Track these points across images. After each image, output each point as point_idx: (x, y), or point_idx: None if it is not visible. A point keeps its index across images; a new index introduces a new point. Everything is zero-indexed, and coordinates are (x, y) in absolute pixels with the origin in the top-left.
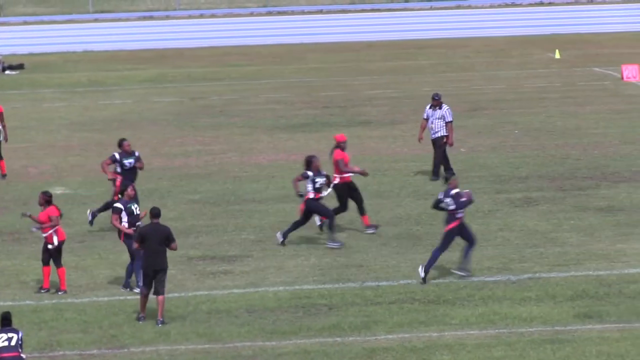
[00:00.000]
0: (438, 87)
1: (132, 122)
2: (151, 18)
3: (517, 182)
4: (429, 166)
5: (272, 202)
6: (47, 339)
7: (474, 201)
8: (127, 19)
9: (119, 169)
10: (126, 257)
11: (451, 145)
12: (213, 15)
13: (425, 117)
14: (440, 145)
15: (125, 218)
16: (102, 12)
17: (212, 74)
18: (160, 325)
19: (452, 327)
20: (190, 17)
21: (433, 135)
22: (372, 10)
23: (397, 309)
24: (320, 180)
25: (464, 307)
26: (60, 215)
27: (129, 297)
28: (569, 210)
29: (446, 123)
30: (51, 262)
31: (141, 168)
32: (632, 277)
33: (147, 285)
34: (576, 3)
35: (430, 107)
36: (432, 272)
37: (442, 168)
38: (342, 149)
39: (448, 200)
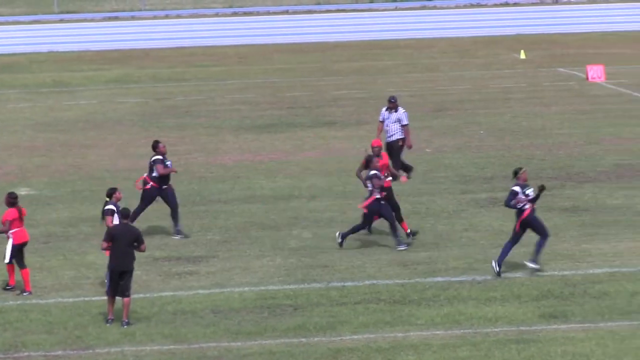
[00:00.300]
0: (403, 88)
1: (97, 123)
2: (116, 19)
3: (483, 183)
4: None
5: (237, 203)
6: (12, 340)
7: (517, 209)
8: (92, 20)
9: (156, 173)
10: (91, 258)
11: (410, 147)
12: (178, 16)
13: (381, 119)
14: (396, 148)
15: (117, 220)
16: (67, 12)
17: (178, 75)
18: (125, 326)
19: (418, 327)
20: (155, 17)
21: (388, 139)
22: (338, 10)
23: (362, 309)
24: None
25: (430, 308)
26: (20, 216)
27: (94, 298)
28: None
29: (402, 126)
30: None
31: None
32: (597, 277)
33: (113, 287)
34: (541, 3)
35: (386, 110)
36: (397, 270)
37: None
38: (376, 155)
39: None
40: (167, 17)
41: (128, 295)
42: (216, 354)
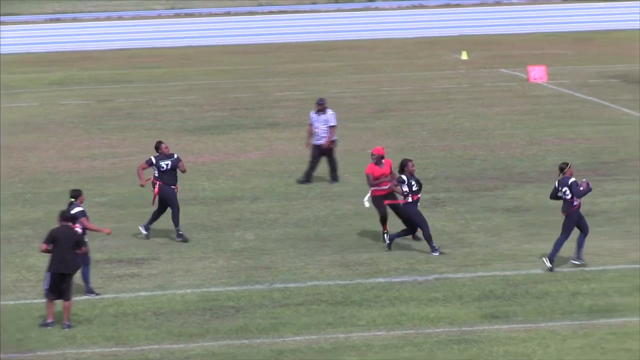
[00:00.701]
0: (346, 89)
1: (38, 125)
2: (58, 20)
3: (425, 183)
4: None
5: (179, 205)
6: None
7: (592, 189)
8: (34, 22)
9: (156, 173)
10: (32, 261)
11: (327, 146)
12: (120, 17)
13: (310, 122)
14: (328, 150)
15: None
16: (8, 14)
17: (120, 76)
18: (66, 329)
19: (360, 328)
20: (97, 19)
21: (317, 141)
22: (280, 12)
23: (304, 311)
24: (415, 183)
25: (371, 308)
26: None
27: (35, 301)
28: (477, 210)
29: (330, 127)
30: None
31: (183, 171)
32: (539, 277)
33: (53, 290)
34: (483, 4)
35: (315, 112)
36: (339, 271)
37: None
38: (375, 163)
39: (565, 189)
40: (109, 18)
41: (69, 299)
42: (158, 356)
